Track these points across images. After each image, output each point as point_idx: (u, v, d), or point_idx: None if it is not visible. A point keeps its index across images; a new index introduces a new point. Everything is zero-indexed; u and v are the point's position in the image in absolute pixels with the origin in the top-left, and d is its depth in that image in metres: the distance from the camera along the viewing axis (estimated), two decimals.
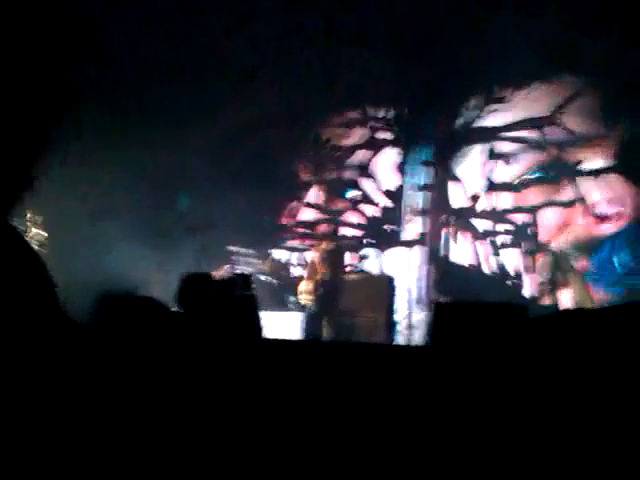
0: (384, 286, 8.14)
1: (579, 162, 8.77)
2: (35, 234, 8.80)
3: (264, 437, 2.42)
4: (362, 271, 9.09)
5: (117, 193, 9.15)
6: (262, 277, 8.90)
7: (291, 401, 2.57)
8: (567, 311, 2.39)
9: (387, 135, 10.44)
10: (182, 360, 2.77)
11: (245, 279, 4.69)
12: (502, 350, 2.26)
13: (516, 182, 9.27)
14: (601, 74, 8.29)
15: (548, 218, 8.98)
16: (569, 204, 8.81)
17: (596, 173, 8.67)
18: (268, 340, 4.09)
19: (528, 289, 8.76)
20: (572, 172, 8.80)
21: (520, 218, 9.16)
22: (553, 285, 8.59)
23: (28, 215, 8.79)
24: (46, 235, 8.83)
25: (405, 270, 9.50)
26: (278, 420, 2.51)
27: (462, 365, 2.28)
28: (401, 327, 8.55)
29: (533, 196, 9.11)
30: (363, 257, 8.51)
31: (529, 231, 9.04)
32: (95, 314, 3.38)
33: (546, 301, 8.24)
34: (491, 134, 9.49)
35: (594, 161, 8.68)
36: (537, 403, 1.96)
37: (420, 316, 8.95)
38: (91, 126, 9.10)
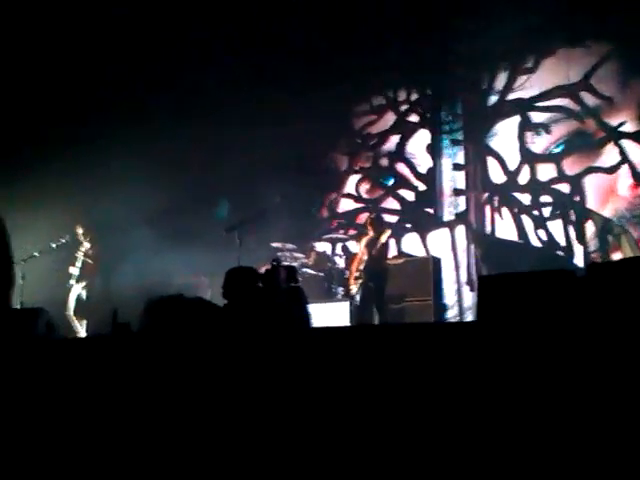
0: (429, 269, 8.09)
1: (619, 125, 8.56)
2: (87, 249, 9.09)
3: (317, 422, 2.47)
4: (406, 255, 9.05)
5: (159, 199, 9.34)
6: (307, 270, 8.95)
7: (344, 386, 2.61)
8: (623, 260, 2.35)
9: (416, 118, 10.38)
10: (233, 354, 2.84)
11: (290, 272, 4.76)
12: (551, 315, 2.26)
13: (555, 151, 9.09)
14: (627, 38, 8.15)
15: (592, 185, 8.77)
16: (612, 169, 8.60)
17: (636, 135, 8.45)
18: (317, 329, 4.14)
19: (579, 259, 8.56)
20: (612, 136, 8.59)
21: (563, 188, 8.98)
22: (604, 252, 8.40)
23: (80, 231, 9.10)
24: (91, 248, 9.11)
25: (449, 251, 9.44)
26: (329, 406, 2.55)
27: (512, 335, 2.29)
28: (450, 307, 8.49)
29: (575, 164, 8.92)
30: (405, 241, 8.46)
31: (574, 200, 8.85)
32: (147, 316, 3.48)
33: None
34: (523, 106, 9.34)
35: (634, 123, 8.48)
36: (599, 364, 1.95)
37: (468, 295, 8.88)
38: (134, 139, 9.35)
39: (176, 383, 2.66)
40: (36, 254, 8.58)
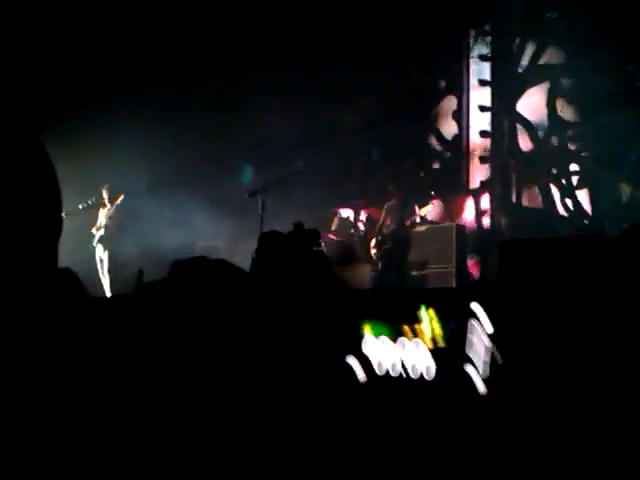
0: (452, 236, 8.05)
1: None
2: (110, 210, 9.23)
3: (341, 379, 2.51)
4: (429, 222, 9.00)
5: (182, 163, 9.41)
6: (330, 235, 8.97)
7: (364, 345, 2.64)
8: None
9: (443, 83, 10.23)
10: (256, 314, 2.88)
11: (313, 235, 4.78)
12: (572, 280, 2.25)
13: (586, 116, 8.86)
14: None
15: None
16: None
17: None
18: (337, 291, 4.17)
19: (606, 228, 8.40)
20: None
21: (592, 156, 8.79)
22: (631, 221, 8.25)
23: (105, 193, 9.22)
24: (115, 210, 9.25)
25: (472, 218, 9.37)
26: (358, 364, 2.59)
27: (531, 300, 2.29)
28: (472, 276, 8.46)
29: (606, 130, 8.70)
30: (429, 208, 8.38)
31: (603, 168, 8.64)
32: (171, 278, 3.53)
33: None
34: (552, 71, 9.13)
35: None
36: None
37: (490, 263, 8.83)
38: (159, 103, 9.38)
39: (200, 343, 2.71)
40: (63, 215, 8.67)
